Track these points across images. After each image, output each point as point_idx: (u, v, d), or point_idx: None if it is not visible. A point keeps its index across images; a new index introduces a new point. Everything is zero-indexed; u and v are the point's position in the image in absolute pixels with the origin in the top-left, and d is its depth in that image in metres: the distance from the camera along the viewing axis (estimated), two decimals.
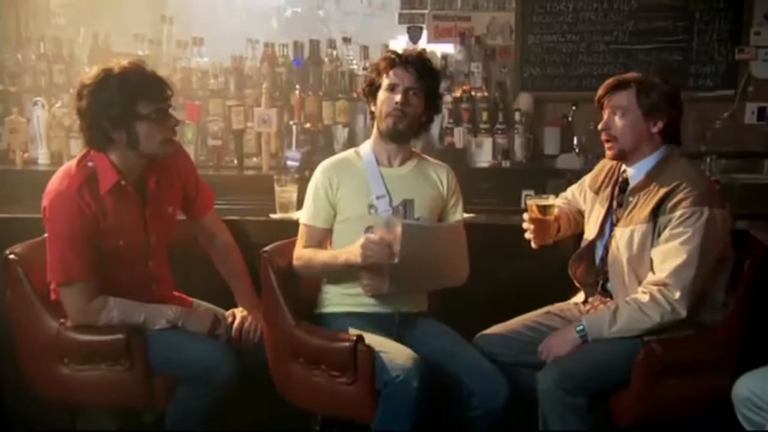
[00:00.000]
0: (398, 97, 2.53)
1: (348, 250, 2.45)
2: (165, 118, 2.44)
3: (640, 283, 2.44)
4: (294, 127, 3.76)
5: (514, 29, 4.45)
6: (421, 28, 4.56)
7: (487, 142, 4.10)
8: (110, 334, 2.42)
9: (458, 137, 4.10)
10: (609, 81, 2.54)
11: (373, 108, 2.63)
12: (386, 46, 4.10)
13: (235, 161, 4.05)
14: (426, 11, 4.57)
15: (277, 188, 3.09)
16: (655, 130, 2.49)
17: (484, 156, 4.10)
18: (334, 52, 4.31)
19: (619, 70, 4.18)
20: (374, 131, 2.67)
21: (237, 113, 3.81)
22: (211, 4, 5.32)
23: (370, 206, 2.57)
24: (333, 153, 3.40)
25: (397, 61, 2.57)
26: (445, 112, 4.11)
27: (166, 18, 4.56)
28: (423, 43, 4.51)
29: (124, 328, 2.43)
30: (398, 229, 2.34)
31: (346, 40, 4.37)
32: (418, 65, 2.57)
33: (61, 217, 2.38)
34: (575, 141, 4.14)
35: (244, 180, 3.72)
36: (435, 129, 4.08)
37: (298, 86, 4.12)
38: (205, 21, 5.02)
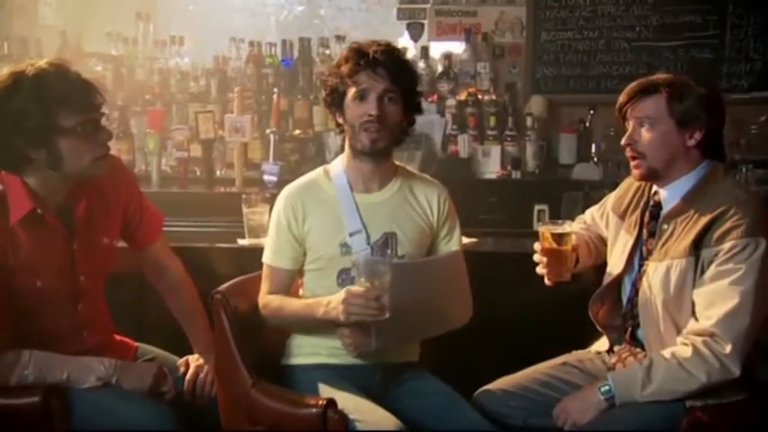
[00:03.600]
0: (372, 108, 2.13)
1: (327, 302, 2.06)
2: (95, 132, 2.05)
3: (679, 331, 2.05)
4: (272, 137, 3.35)
5: (525, 25, 4.19)
6: (422, 25, 4.31)
7: (495, 151, 3.88)
8: (24, 396, 2.00)
9: (463, 145, 3.87)
10: (632, 86, 2.16)
11: (340, 120, 2.23)
12: None
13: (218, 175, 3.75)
14: (427, 6, 4.33)
15: (245, 209, 2.75)
16: (691, 142, 2.10)
17: (491, 166, 3.88)
18: (327, 52, 4.10)
19: (643, 70, 4.01)
20: (346, 147, 2.26)
21: (205, 120, 3.40)
22: (193, 1, 4.98)
23: (343, 245, 2.17)
24: (324, 163, 3.07)
25: (363, 62, 2.15)
26: (448, 117, 3.93)
27: (142, 15, 4.28)
28: (424, 41, 4.27)
29: (41, 389, 2.02)
30: (387, 279, 1.96)
31: (340, 39, 4.12)
32: (389, 63, 2.15)
33: None
34: (593, 149, 3.91)
35: (214, 198, 3.41)
36: (437, 136, 3.88)
37: (276, 89, 3.79)
38: (186, 18, 4.77)
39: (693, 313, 2.02)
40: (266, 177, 3.25)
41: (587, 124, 3.98)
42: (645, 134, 2.11)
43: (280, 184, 3.04)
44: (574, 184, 3.63)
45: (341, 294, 2.00)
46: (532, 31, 4.15)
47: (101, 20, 4.33)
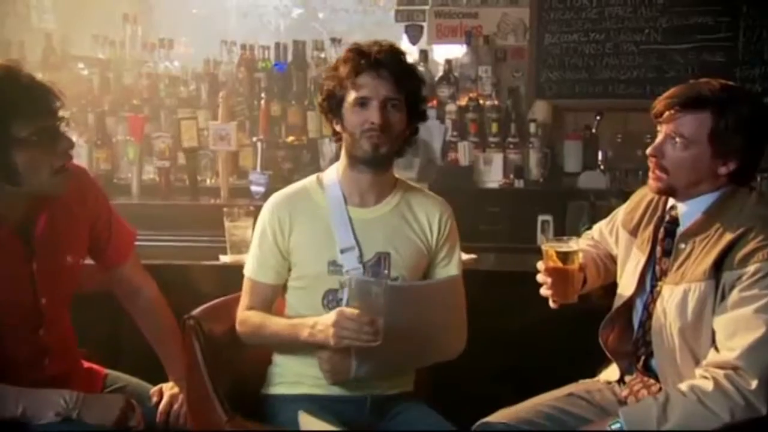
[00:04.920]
0: (375, 116, 1.96)
1: (313, 323, 1.89)
2: (53, 140, 1.87)
3: (697, 362, 1.87)
4: (259, 144, 3.19)
5: (528, 27, 4.12)
6: (421, 27, 4.25)
7: (498, 159, 3.80)
8: None
9: (463, 153, 3.78)
10: (678, 90, 1.93)
11: (336, 127, 2.06)
12: None
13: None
14: (427, 7, 4.26)
15: (227, 223, 2.59)
16: (723, 171, 1.91)
17: (493, 175, 3.80)
18: (322, 55, 4.02)
19: (651, 73, 3.98)
20: (342, 156, 2.08)
21: (188, 127, 3.24)
22: (184, 2, 4.85)
23: (332, 263, 2.01)
24: (319, 171, 2.94)
25: (364, 64, 1.98)
26: (448, 123, 3.87)
27: (129, 17, 4.18)
28: (423, 44, 4.20)
29: None
30: (381, 302, 1.80)
31: (335, 41, 4.03)
32: (393, 66, 1.99)
33: None
34: (600, 156, 3.85)
35: (196, 210, 3.24)
36: (437, 143, 3.79)
37: (264, 94, 3.61)
38: (177, 21, 4.70)
39: (713, 342, 1.84)
40: (253, 187, 3.08)
41: (593, 131, 3.91)
42: (675, 151, 1.91)
43: (269, 195, 2.90)
44: (580, 194, 3.56)
45: (331, 316, 1.84)
46: (536, 33, 4.08)
47: (92, 23, 4.24)
